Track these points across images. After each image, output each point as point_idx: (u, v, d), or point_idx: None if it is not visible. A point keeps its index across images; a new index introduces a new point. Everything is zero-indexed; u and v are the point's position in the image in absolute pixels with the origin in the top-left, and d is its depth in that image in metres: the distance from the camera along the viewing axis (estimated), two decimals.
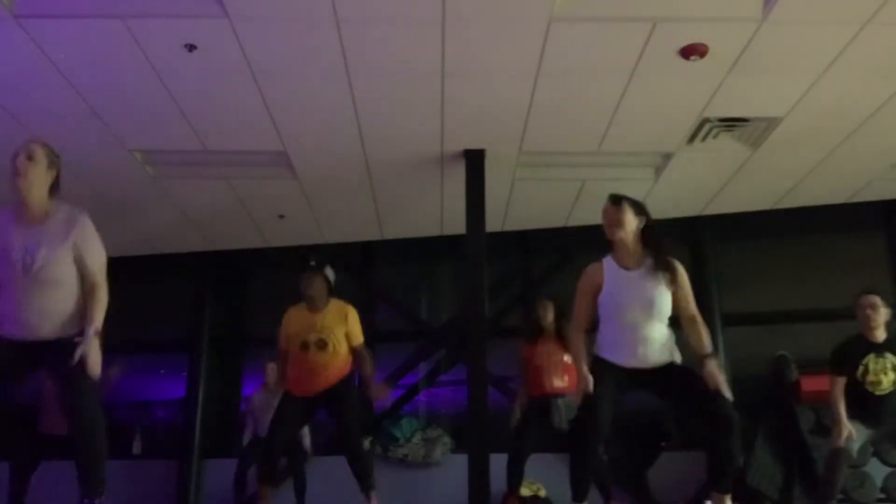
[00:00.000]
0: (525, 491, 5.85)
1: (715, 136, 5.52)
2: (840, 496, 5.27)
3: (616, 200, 3.34)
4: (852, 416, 4.44)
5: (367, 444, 6.89)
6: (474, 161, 5.68)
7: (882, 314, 4.50)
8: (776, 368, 6.02)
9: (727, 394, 3.13)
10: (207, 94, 4.88)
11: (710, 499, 3.24)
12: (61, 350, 2.93)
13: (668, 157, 5.82)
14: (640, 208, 3.36)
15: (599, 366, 3.29)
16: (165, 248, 7.61)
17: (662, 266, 3.28)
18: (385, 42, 4.36)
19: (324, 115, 5.15)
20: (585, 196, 6.50)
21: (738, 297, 7.11)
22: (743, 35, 4.29)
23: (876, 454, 5.99)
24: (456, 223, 6.08)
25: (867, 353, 4.46)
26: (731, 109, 5.16)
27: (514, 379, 6.56)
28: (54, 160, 3.10)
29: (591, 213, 6.37)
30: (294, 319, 4.48)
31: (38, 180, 3.02)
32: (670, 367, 3.29)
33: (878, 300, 4.53)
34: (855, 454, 4.57)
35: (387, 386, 5.16)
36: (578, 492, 3.33)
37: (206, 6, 4.00)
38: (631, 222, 3.30)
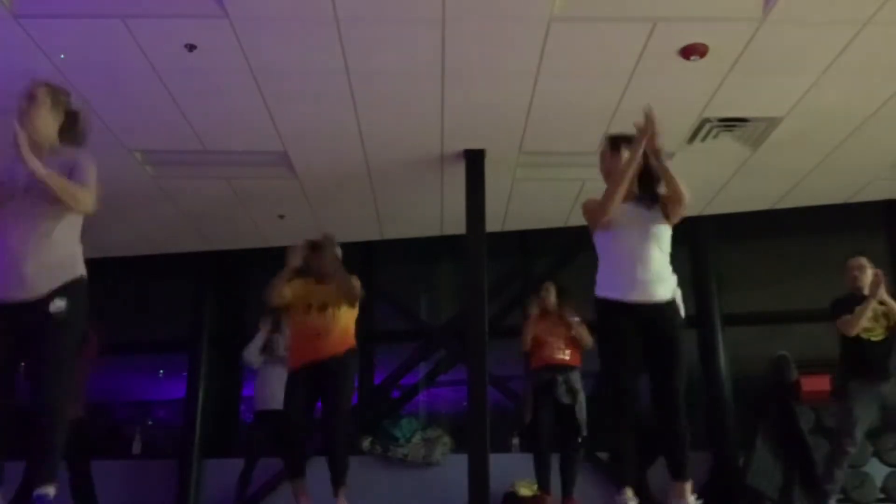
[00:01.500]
0: (525, 491, 5.86)
1: (715, 136, 5.52)
2: (840, 496, 5.28)
3: (615, 145, 3.42)
4: (856, 375, 4.65)
5: (367, 444, 6.89)
6: (474, 161, 5.68)
7: (869, 274, 4.81)
8: (776, 368, 6.02)
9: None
10: (207, 94, 4.88)
11: (670, 491, 3.25)
12: (41, 322, 2.88)
13: (668, 156, 5.80)
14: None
15: (605, 319, 3.32)
16: (165, 248, 7.61)
17: (656, 197, 3.35)
18: (385, 42, 4.36)
19: (324, 115, 5.15)
20: (585, 196, 6.45)
21: (738, 297, 7.11)
22: (743, 35, 4.30)
23: (876, 454, 6.00)
24: (456, 223, 6.08)
25: (858, 304, 4.74)
26: (731, 109, 5.16)
27: (513, 380, 6.57)
28: (60, 98, 3.10)
29: (586, 220, 6.34)
30: (299, 284, 4.59)
31: (42, 120, 3.04)
32: (669, 315, 3.27)
33: (864, 261, 4.87)
34: (866, 421, 4.68)
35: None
36: (622, 477, 3.32)
37: (206, 6, 4.01)
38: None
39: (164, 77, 4.65)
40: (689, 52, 4.42)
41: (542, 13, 4.10)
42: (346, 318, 4.57)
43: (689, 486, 3.20)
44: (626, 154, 3.34)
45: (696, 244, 7.03)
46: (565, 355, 5.32)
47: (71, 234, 3.05)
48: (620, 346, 3.26)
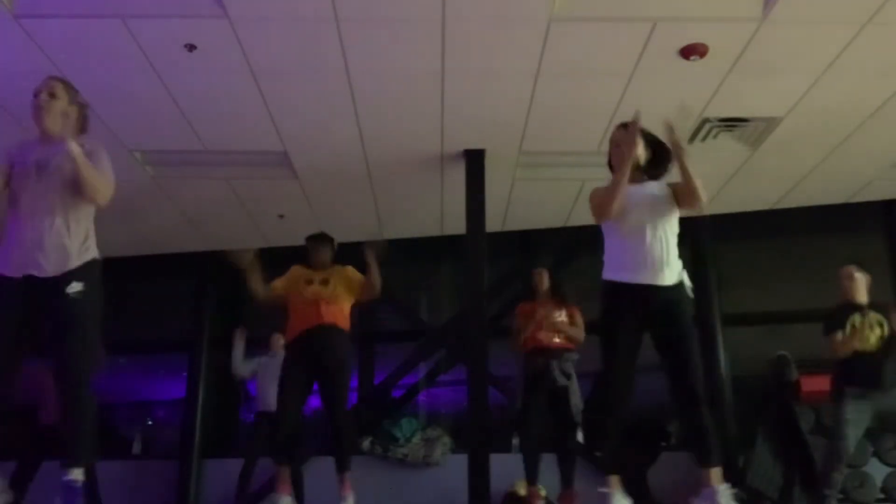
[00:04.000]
0: (524, 491, 5.85)
1: (715, 136, 5.52)
2: (840, 496, 5.28)
3: (624, 126, 3.42)
4: (850, 384, 4.62)
5: (367, 443, 6.89)
6: (474, 161, 5.68)
7: (860, 281, 4.82)
8: (776, 368, 6.01)
9: (682, 143, 3.23)
10: (207, 94, 4.88)
11: (700, 479, 3.18)
12: (59, 301, 2.90)
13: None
14: (646, 136, 3.43)
15: (609, 297, 3.28)
16: (165, 248, 7.61)
17: (662, 176, 3.35)
18: (385, 42, 4.37)
19: (324, 115, 5.15)
20: (585, 196, 6.45)
21: (738, 297, 7.12)
22: (743, 35, 4.30)
23: (876, 454, 6.00)
24: (456, 223, 6.08)
25: (852, 313, 4.74)
26: (731, 109, 5.16)
27: (514, 380, 6.57)
28: (75, 96, 3.20)
29: (590, 214, 6.33)
30: (300, 269, 4.72)
31: (60, 116, 3.12)
32: (677, 294, 3.25)
33: (853, 269, 4.86)
34: (860, 428, 4.66)
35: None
36: (608, 464, 3.27)
37: (206, 6, 4.01)
38: (640, 149, 3.38)
39: (164, 77, 4.65)
40: (689, 52, 4.42)
41: (542, 13, 4.11)
42: (345, 300, 4.63)
43: (718, 471, 3.10)
44: (639, 140, 3.35)
45: (696, 244, 7.04)
46: (559, 339, 5.22)
47: (84, 216, 3.08)
48: (621, 330, 3.22)
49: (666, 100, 5.00)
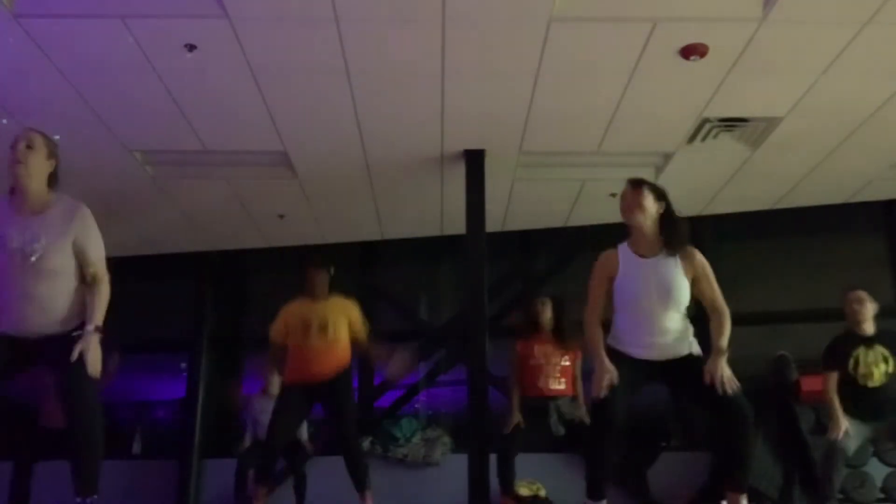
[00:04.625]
0: (525, 491, 5.85)
1: (715, 136, 5.52)
2: (840, 496, 5.28)
3: (636, 184, 3.26)
4: (848, 414, 4.50)
5: (367, 444, 6.89)
6: (474, 161, 5.68)
7: (868, 308, 4.63)
8: (776, 368, 6.01)
9: (729, 390, 3.08)
10: (207, 94, 4.88)
11: (725, 499, 3.17)
12: (60, 345, 2.91)
13: (668, 157, 5.82)
14: (660, 194, 3.28)
15: (613, 359, 3.20)
16: (165, 248, 7.61)
17: (678, 252, 3.21)
18: (385, 42, 4.36)
19: (324, 115, 5.15)
20: (585, 196, 6.50)
21: (738, 297, 7.07)
22: (743, 35, 4.29)
23: (876, 454, 6.00)
24: (456, 223, 6.08)
25: (857, 345, 4.58)
26: (731, 109, 5.16)
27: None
28: (53, 150, 3.07)
29: (591, 213, 6.37)
30: (295, 308, 4.64)
31: (37, 169, 2.98)
32: (687, 359, 3.21)
33: (863, 294, 4.67)
34: (851, 452, 4.61)
35: (390, 352, 4.99)
36: (594, 490, 3.23)
37: (206, 6, 4.00)
38: (651, 207, 3.22)
39: (164, 77, 4.65)
40: (689, 52, 4.42)
41: (542, 13, 4.10)
42: (345, 336, 4.60)
43: (745, 497, 3.13)
44: (648, 197, 3.25)
45: (695, 244, 7.01)
46: (560, 384, 5.07)
47: (78, 283, 3.05)
48: (620, 364, 3.16)
49: (666, 100, 5.03)
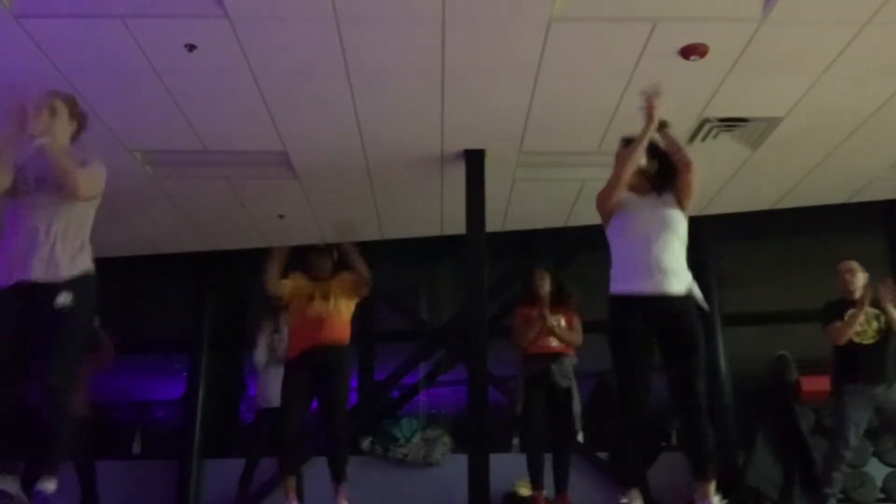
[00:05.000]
0: (525, 491, 5.85)
1: (715, 136, 5.51)
2: (840, 496, 5.28)
3: (628, 144, 3.41)
4: (850, 379, 4.71)
5: (367, 444, 6.89)
6: (474, 161, 5.67)
7: (859, 277, 4.94)
8: (776, 368, 6.02)
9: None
10: (207, 94, 4.88)
11: (694, 490, 3.18)
12: (49, 312, 2.91)
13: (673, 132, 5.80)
14: (653, 150, 3.43)
15: (617, 316, 3.26)
16: (165, 248, 7.60)
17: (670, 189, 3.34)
18: (385, 42, 4.36)
19: (324, 115, 5.15)
20: (585, 196, 6.49)
21: (738, 297, 7.11)
22: (743, 35, 4.29)
23: (876, 454, 6.00)
24: (456, 223, 6.07)
25: (849, 307, 4.85)
26: (731, 109, 5.16)
27: (514, 380, 6.56)
28: (74, 109, 3.22)
29: (591, 213, 6.35)
30: (301, 279, 4.83)
31: (61, 133, 3.13)
32: (685, 305, 3.23)
33: (854, 264, 4.98)
34: (854, 441, 4.69)
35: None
36: (630, 478, 3.26)
37: (206, 6, 4.00)
38: (643, 162, 3.38)
39: (164, 77, 4.65)
40: (689, 52, 4.42)
41: (542, 13, 4.10)
42: (347, 310, 4.73)
43: (712, 486, 3.11)
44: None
45: (696, 244, 7.02)
46: (556, 342, 5.26)
47: (80, 229, 3.09)
48: (632, 342, 3.22)
49: (666, 100, 5.01)
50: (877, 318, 4.81)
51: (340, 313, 4.71)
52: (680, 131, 5.40)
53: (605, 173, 5.87)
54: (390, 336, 7.95)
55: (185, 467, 7.13)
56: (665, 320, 3.20)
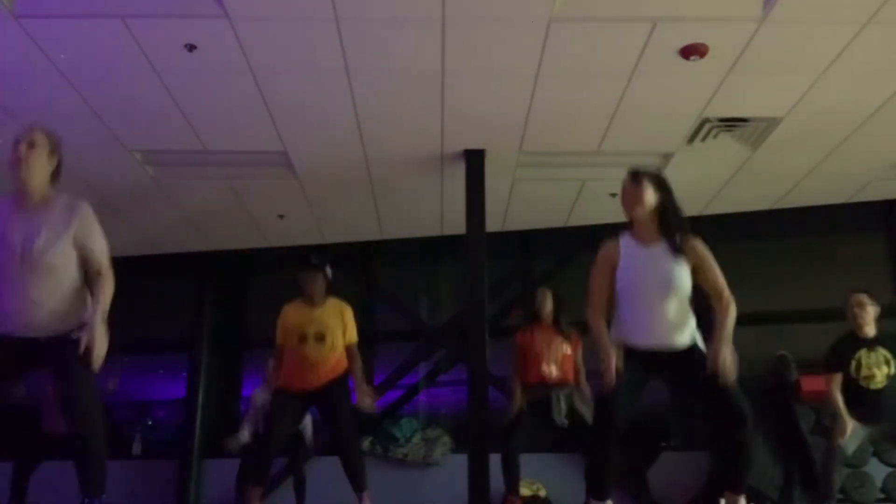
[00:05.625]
0: (525, 491, 5.85)
1: (715, 136, 5.52)
2: (840, 496, 5.28)
3: (636, 177, 3.21)
4: (850, 415, 4.50)
5: (367, 444, 6.89)
6: (474, 161, 5.68)
7: (870, 312, 4.63)
8: (776, 368, 6.01)
9: (729, 380, 3.06)
10: (207, 94, 4.88)
11: (723, 498, 3.16)
12: (59, 347, 2.90)
13: (668, 157, 5.81)
14: (660, 183, 3.24)
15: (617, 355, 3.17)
16: (165, 248, 7.61)
17: (677, 241, 3.20)
18: (385, 42, 4.36)
19: (324, 115, 5.15)
20: (585, 196, 6.50)
21: (738, 297, 7.08)
22: (743, 35, 4.30)
23: (876, 454, 6.00)
24: (456, 223, 6.08)
25: (859, 348, 4.58)
26: (731, 109, 5.16)
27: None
28: (55, 147, 3.06)
29: (591, 213, 6.37)
30: (292, 314, 4.51)
31: (39, 167, 2.98)
32: (690, 353, 3.18)
33: (865, 298, 4.66)
34: (850, 452, 4.61)
35: (375, 394, 4.98)
36: (595, 489, 3.19)
37: (206, 6, 4.00)
38: (650, 199, 3.18)
39: (164, 77, 4.65)
40: (689, 52, 4.42)
41: (542, 13, 4.10)
42: (341, 344, 4.52)
43: (742, 499, 3.12)
44: (648, 190, 3.19)
45: None
46: (561, 372, 5.07)
47: (76, 280, 3.03)
48: (624, 359, 3.14)
49: (666, 100, 5.03)
50: (887, 362, 4.52)
51: (336, 350, 4.47)
52: (680, 131, 5.43)
53: (605, 173, 5.95)
54: (390, 336, 7.94)
55: (185, 467, 7.13)
56: (671, 370, 3.19)
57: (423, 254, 7.90)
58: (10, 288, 2.92)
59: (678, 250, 3.20)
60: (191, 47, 4.34)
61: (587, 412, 4.86)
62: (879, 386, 4.50)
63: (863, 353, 4.57)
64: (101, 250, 3.03)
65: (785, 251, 7.33)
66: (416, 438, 6.98)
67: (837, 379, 4.57)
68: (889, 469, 6.01)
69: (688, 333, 3.23)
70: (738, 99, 4.99)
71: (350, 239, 7.55)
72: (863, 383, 4.52)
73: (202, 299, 7.76)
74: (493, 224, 6.20)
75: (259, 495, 4.44)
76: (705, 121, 5.31)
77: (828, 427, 5.24)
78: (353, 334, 4.54)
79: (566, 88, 4.86)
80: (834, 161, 5.91)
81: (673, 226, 3.23)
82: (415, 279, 8.16)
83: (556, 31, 4.25)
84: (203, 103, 5.00)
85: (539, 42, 4.35)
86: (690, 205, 6.82)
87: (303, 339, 4.41)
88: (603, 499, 3.18)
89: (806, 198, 6.68)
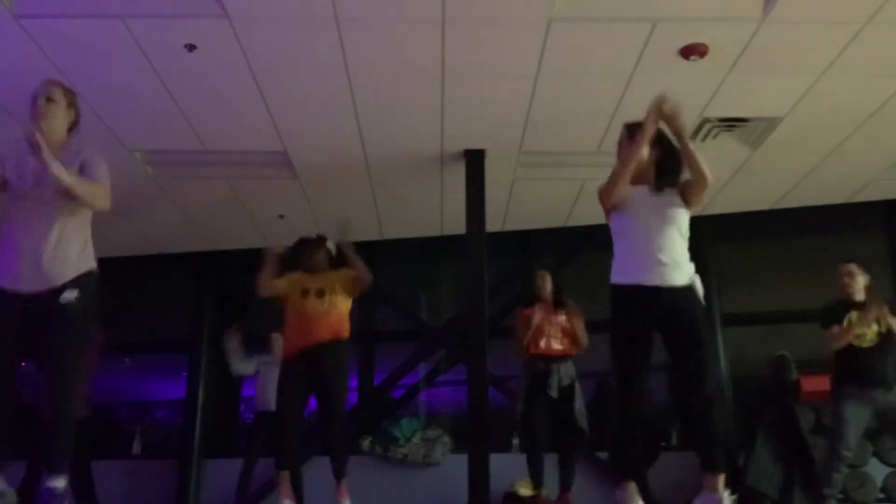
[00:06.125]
0: (525, 491, 5.85)
1: (715, 136, 5.52)
2: (840, 496, 5.28)
3: (631, 132, 3.32)
4: (849, 381, 4.67)
5: (367, 443, 6.89)
6: (474, 161, 5.68)
7: (859, 280, 4.87)
8: (776, 368, 6.02)
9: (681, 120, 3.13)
10: (207, 94, 4.88)
11: (703, 483, 3.16)
12: (50, 307, 2.91)
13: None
14: (657, 138, 3.33)
15: (618, 310, 3.24)
16: (165, 248, 7.61)
17: (675, 183, 3.29)
18: (385, 42, 4.37)
19: (324, 115, 5.16)
20: (585, 196, 6.50)
21: (738, 297, 7.11)
22: (743, 35, 4.30)
23: (876, 454, 6.00)
24: (456, 223, 6.08)
25: (849, 309, 4.78)
26: (731, 109, 5.16)
27: (513, 379, 6.56)
28: (73, 99, 3.20)
29: (591, 213, 6.35)
30: (296, 276, 4.70)
31: (58, 121, 3.12)
32: (686, 298, 3.22)
33: (854, 267, 4.90)
34: (852, 443, 4.65)
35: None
36: (625, 469, 3.24)
37: (206, 6, 4.01)
38: (645, 153, 3.27)
39: (164, 77, 4.65)
40: (689, 52, 4.42)
41: (542, 13, 4.11)
42: (343, 306, 4.62)
43: (721, 478, 3.08)
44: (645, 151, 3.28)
45: (696, 244, 7.01)
46: (561, 345, 5.23)
47: (82, 228, 3.09)
48: (631, 339, 3.19)
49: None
50: (876, 321, 4.74)
51: (337, 309, 4.57)
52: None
53: (605, 173, 5.83)
54: (390, 336, 7.94)
55: (185, 467, 7.13)
56: (667, 315, 3.18)
57: (423, 254, 7.90)
58: (20, 222, 2.99)
59: (675, 190, 3.31)
60: (191, 47, 4.35)
61: (580, 399, 5.16)
62: (871, 344, 4.69)
63: (853, 314, 4.76)
64: (100, 176, 3.12)
65: (785, 251, 7.33)
66: (416, 438, 6.97)
67: (835, 328, 4.75)
68: (889, 469, 6.01)
69: (685, 272, 3.28)
70: (738, 99, 4.99)
71: (350, 239, 7.53)
72: (854, 342, 4.70)
73: (202, 299, 7.76)
74: (493, 224, 6.20)
75: (289, 479, 4.48)
76: (705, 121, 5.31)
77: (829, 427, 5.25)
78: (348, 274, 4.68)
79: (566, 88, 4.87)
80: (834, 161, 5.92)
81: (668, 172, 3.33)
82: (415, 279, 8.16)
83: (556, 31, 4.25)
84: (203, 103, 5.00)
85: (539, 42, 4.35)
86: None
87: (305, 293, 4.56)
88: (629, 477, 3.21)
89: (806, 198, 6.68)
